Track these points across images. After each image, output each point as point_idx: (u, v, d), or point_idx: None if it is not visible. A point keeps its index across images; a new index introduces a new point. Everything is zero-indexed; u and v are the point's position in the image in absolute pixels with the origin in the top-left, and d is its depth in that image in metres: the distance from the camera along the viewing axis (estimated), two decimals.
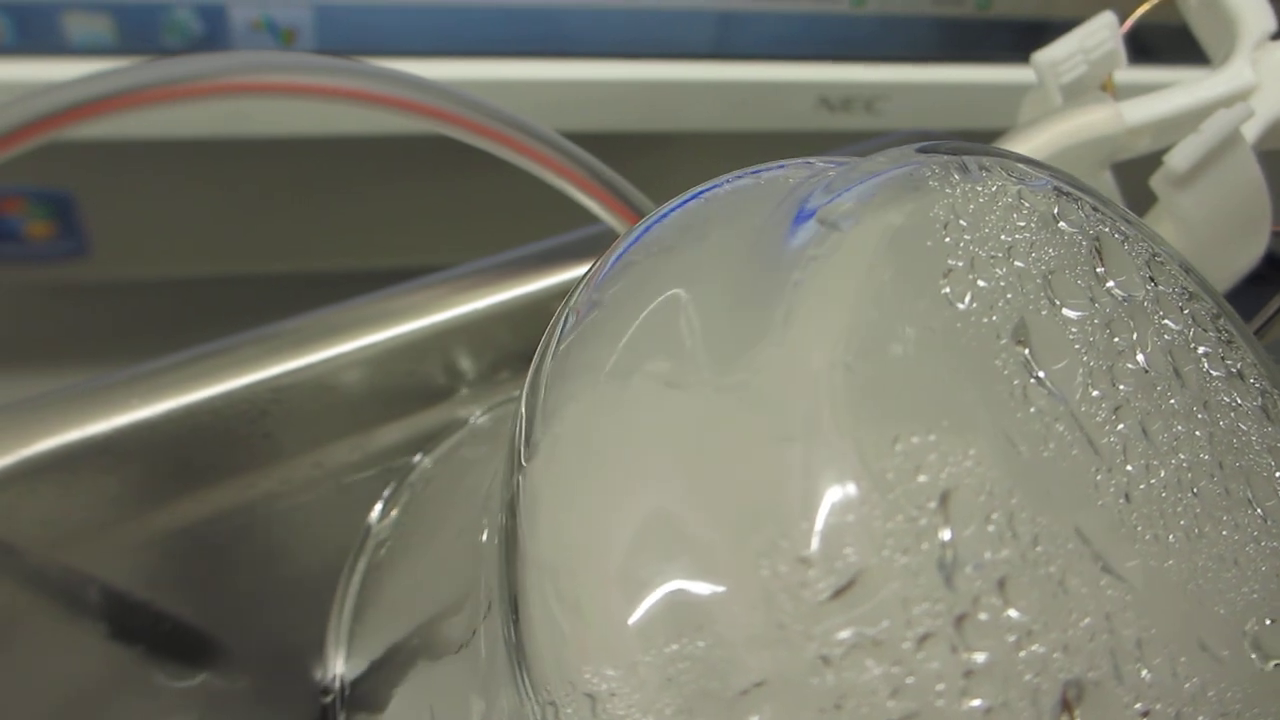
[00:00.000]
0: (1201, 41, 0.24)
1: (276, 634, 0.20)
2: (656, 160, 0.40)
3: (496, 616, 0.14)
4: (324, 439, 0.21)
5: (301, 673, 0.19)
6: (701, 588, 0.11)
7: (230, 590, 0.21)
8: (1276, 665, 0.12)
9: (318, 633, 0.20)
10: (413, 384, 0.22)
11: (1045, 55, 0.22)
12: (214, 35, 0.35)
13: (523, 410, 0.13)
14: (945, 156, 0.14)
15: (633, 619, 0.12)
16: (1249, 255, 0.22)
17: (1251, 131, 0.22)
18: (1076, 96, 0.22)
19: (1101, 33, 0.22)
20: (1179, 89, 0.22)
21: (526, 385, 0.14)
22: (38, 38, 0.35)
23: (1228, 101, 0.22)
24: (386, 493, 0.21)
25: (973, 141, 0.25)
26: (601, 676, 0.11)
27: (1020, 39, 0.41)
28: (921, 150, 0.13)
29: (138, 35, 0.35)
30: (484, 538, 0.17)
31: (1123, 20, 0.23)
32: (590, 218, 0.22)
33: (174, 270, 0.41)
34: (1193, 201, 0.20)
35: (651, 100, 0.38)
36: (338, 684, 0.19)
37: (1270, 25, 0.23)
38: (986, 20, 0.40)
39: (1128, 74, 0.26)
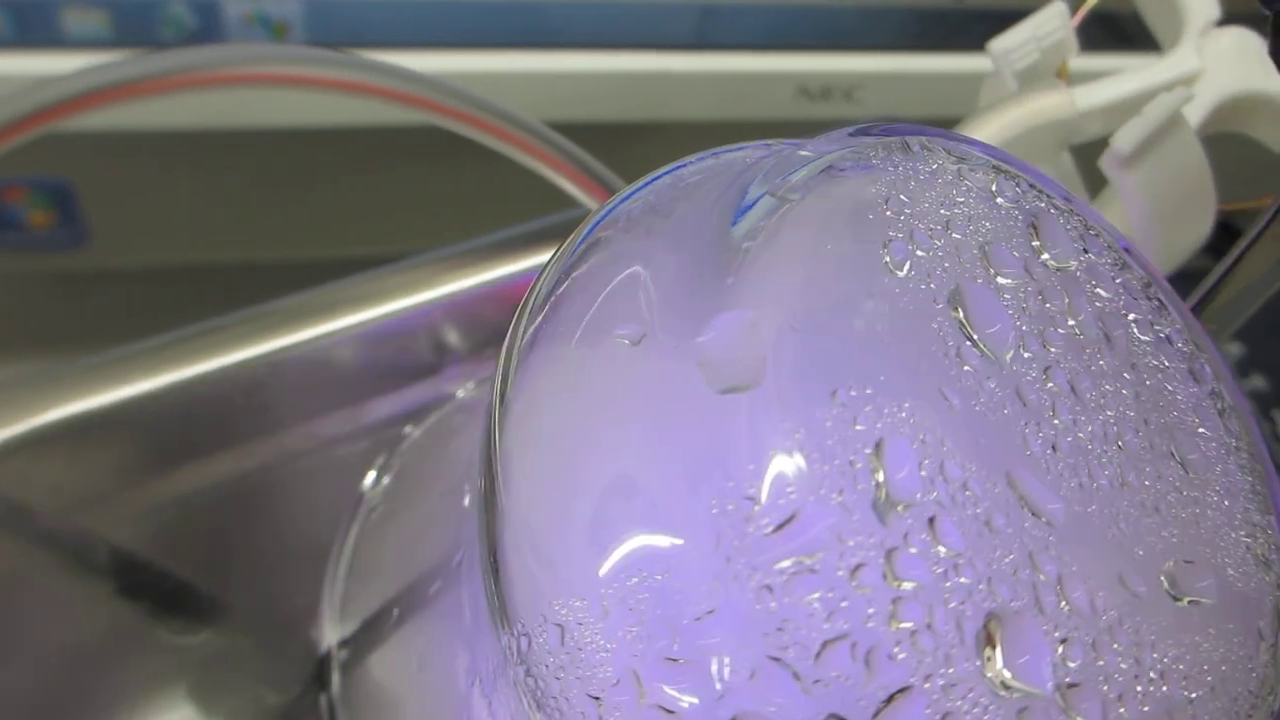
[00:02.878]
0: (1152, 28, 0.26)
1: (274, 594, 0.21)
2: (640, 149, 0.41)
3: (478, 571, 0.15)
4: (318, 411, 0.22)
5: (298, 630, 0.21)
6: (660, 530, 0.12)
7: (229, 553, 0.22)
8: (1190, 601, 0.14)
9: (313, 593, 0.21)
10: (403, 360, 0.23)
11: (999, 44, 0.23)
12: (208, 29, 0.36)
13: (498, 378, 0.15)
14: (888, 138, 0.15)
15: (599, 563, 0.13)
16: (1197, 232, 0.23)
17: (1195, 114, 0.23)
18: (1031, 83, 0.23)
19: (1053, 21, 0.23)
20: (1129, 74, 0.23)
21: (502, 354, 0.15)
22: (36, 31, 0.35)
23: (1173, 86, 0.23)
24: (378, 462, 0.22)
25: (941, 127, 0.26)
26: (570, 609, 0.12)
27: (997, 28, 0.42)
28: (857, 133, 0.15)
29: (133, 29, 0.35)
30: (466, 500, 0.18)
31: (1075, 10, 0.24)
32: (571, 202, 0.23)
33: (172, 257, 0.42)
34: (1139, 181, 0.21)
35: (635, 91, 0.39)
36: (332, 640, 0.20)
37: (1215, 13, 0.24)
38: (963, 10, 0.41)
39: (1085, 60, 0.27)
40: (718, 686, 0.11)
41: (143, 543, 0.20)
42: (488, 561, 0.14)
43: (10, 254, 0.40)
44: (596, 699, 0.12)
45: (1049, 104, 0.23)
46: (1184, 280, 0.24)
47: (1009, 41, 0.23)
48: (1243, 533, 0.15)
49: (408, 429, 0.23)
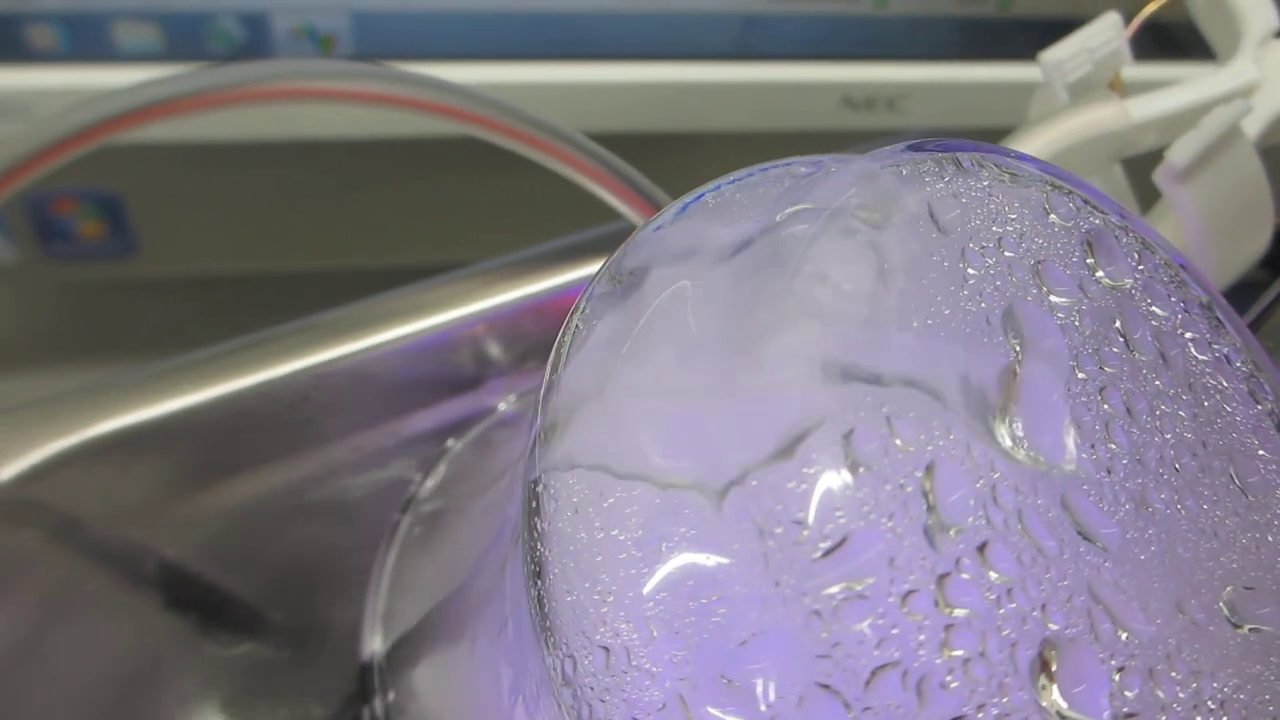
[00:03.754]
0: (1208, 38, 0.25)
1: (318, 607, 0.21)
2: (683, 160, 0.41)
3: (521, 589, 0.15)
4: (362, 424, 0.22)
5: (340, 643, 0.21)
6: (707, 553, 0.12)
7: (274, 565, 0.22)
8: (1251, 629, 0.13)
9: (356, 606, 0.21)
10: (445, 373, 0.23)
11: (1051, 55, 0.23)
12: (256, 42, 0.36)
13: (541, 396, 0.14)
14: (939, 153, 0.14)
15: (645, 586, 0.13)
16: (1253, 247, 0.22)
17: (1254, 127, 0.22)
18: (1083, 94, 0.23)
19: (1106, 33, 0.23)
20: (1184, 86, 0.23)
21: (546, 370, 0.15)
22: (88, 45, 0.36)
23: (1231, 98, 0.22)
24: (420, 476, 0.22)
25: (987, 140, 0.26)
26: (615, 631, 0.12)
27: (1042, 38, 0.41)
28: (910, 148, 0.14)
29: (184, 43, 0.36)
30: (509, 516, 0.18)
31: (1129, 20, 0.24)
32: (613, 215, 0.23)
33: (219, 267, 0.42)
34: (1194, 195, 0.21)
35: (677, 101, 0.39)
36: (375, 653, 0.20)
37: (1274, 23, 0.23)
38: (1008, 19, 0.41)
39: (1140, 70, 0.27)
40: (764, 710, 0.11)
41: (190, 555, 0.20)
42: (531, 582, 0.14)
43: (60, 264, 0.41)
44: None
45: (1102, 116, 0.22)
46: (1241, 293, 0.24)
47: (1061, 53, 0.23)
48: None
49: (450, 442, 0.23)
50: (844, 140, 0.43)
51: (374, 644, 0.20)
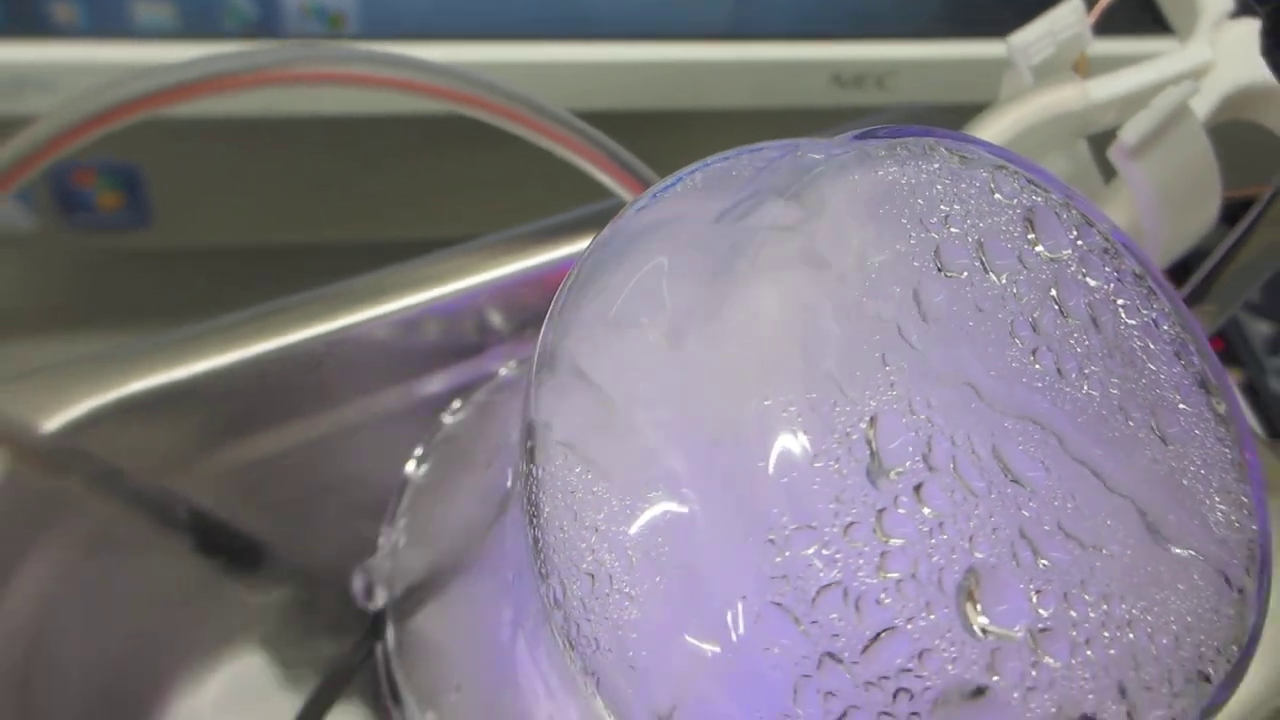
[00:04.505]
0: (1169, 19, 0.26)
1: (333, 553, 0.23)
2: (679, 136, 0.42)
3: (521, 532, 0.17)
4: (372, 387, 0.24)
5: (355, 585, 0.22)
6: (680, 493, 0.14)
7: (293, 515, 0.24)
8: (1162, 559, 0.15)
9: (369, 553, 0.23)
10: (450, 340, 0.24)
11: (1016, 39, 0.24)
12: (268, 20, 0.38)
13: (536, 355, 0.16)
14: (894, 139, 0.16)
15: (627, 524, 0.14)
16: (1203, 219, 0.24)
17: (1206, 105, 0.24)
18: (1048, 76, 0.25)
19: (1068, 17, 0.24)
20: (1142, 66, 0.24)
21: (541, 333, 0.16)
22: (107, 22, 0.37)
23: (1185, 78, 0.24)
24: (428, 434, 0.24)
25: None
26: (599, 561, 0.14)
27: (1026, 13, 0.43)
28: (863, 135, 0.16)
29: (199, 20, 0.37)
30: (509, 469, 0.20)
31: (1092, 4, 0.25)
32: (607, 193, 0.25)
33: (231, 238, 0.44)
34: (1145, 171, 0.22)
35: (672, 80, 0.40)
36: (386, 596, 0.22)
37: (1228, 4, 0.25)
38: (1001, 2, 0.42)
39: (1106, 46, 0.28)
40: (728, 625, 0.13)
41: (217, 504, 0.22)
42: (529, 522, 0.16)
43: (80, 233, 0.42)
44: (622, 638, 0.13)
45: (1064, 97, 0.24)
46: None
47: (1026, 37, 0.24)
48: (1218, 499, 0.16)
49: (455, 404, 0.25)
50: (835, 117, 0.44)
51: (385, 587, 0.22)
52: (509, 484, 0.20)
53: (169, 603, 0.22)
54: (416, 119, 0.37)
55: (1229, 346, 0.51)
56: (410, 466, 0.23)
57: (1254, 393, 0.50)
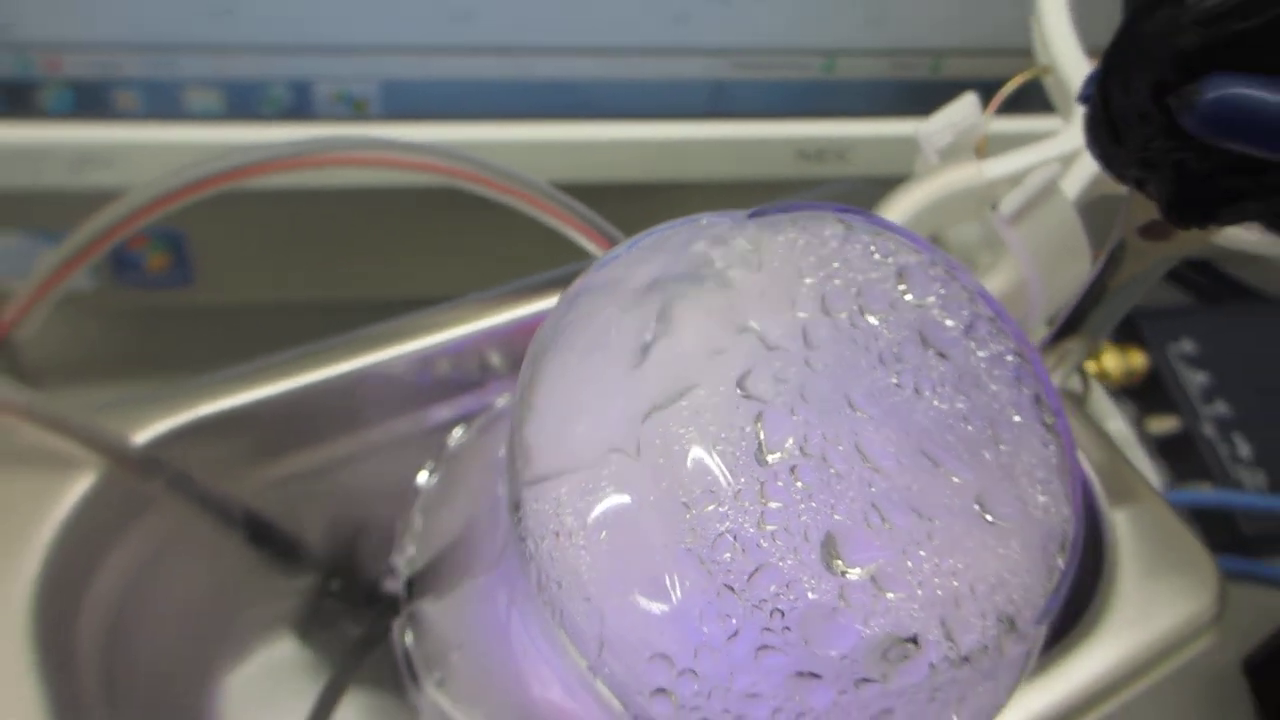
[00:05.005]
0: (1057, 108, 0.32)
1: (357, 549, 0.28)
2: (663, 204, 0.47)
3: (510, 523, 0.21)
4: (392, 414, 0.29)
5: (376, 576, 0.27)
6: (622, 482, 0.19)
7: (325, 517, 0.28)
8: (991, 524, 0.20)
9: (387, 548, 0.27)
10: (456, 375, 0.29)
11: (923, 129, 0.30)
12: (301, 105, 0.43)
13: (521, 382, 0.21)
14: (797, 212, 0.21)
15: (586, 501, 0.19)
16: (1078, 273, 0.29)
17: (1079, 184, 0.29)
18: (951, 157, 0.30)
19: (966, 110, 0.29)
20: (1028, 149, 0.30)
21: (525, 363, 0.21)
22: (162, 107, 0.42)
23: (1061, 159, 0.29)
24: (437, 452, 0.29)
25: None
26: (562, 523, 0.19)
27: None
28: (756, 214, 0.21)
29: (242, 105, 0.42)
30: (502, 478, 0.25)
31: (988, 100, 0.30)
32: (589, 255, 0.30)
33: (260, 296, 0.49)
34: (1021, 237, 0.27)
35: (657, 154, 0.45)
36: (402, 582, 0.27)
37: None
38: (940, 80, 0.47)
39: (1011, 124, 0.33)
40: (655, 569, 0.18)
41: (265, 506, 0.27)
42: (512, 509, 0.21)
43: (130, 290, 0.48)
44: (577, 579, 0.18)
45: (962, 176, 0.29)
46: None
47: (930, 127, 0.29)
48: (1039, 490, 0.21)
49: (459, 429, 0.30)
50: (801, 186, 0.49)
51: (400, 576, 0.27)
52: (503, 487, 0.25)
53: (224, 585, 0.27)
54: (428, 191, 0.42)
55: (1167, 395, 0.55)
56: (422, 477, 0.28)
57: (1188, 438, 0.54)
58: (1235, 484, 0.52)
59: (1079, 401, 0.36)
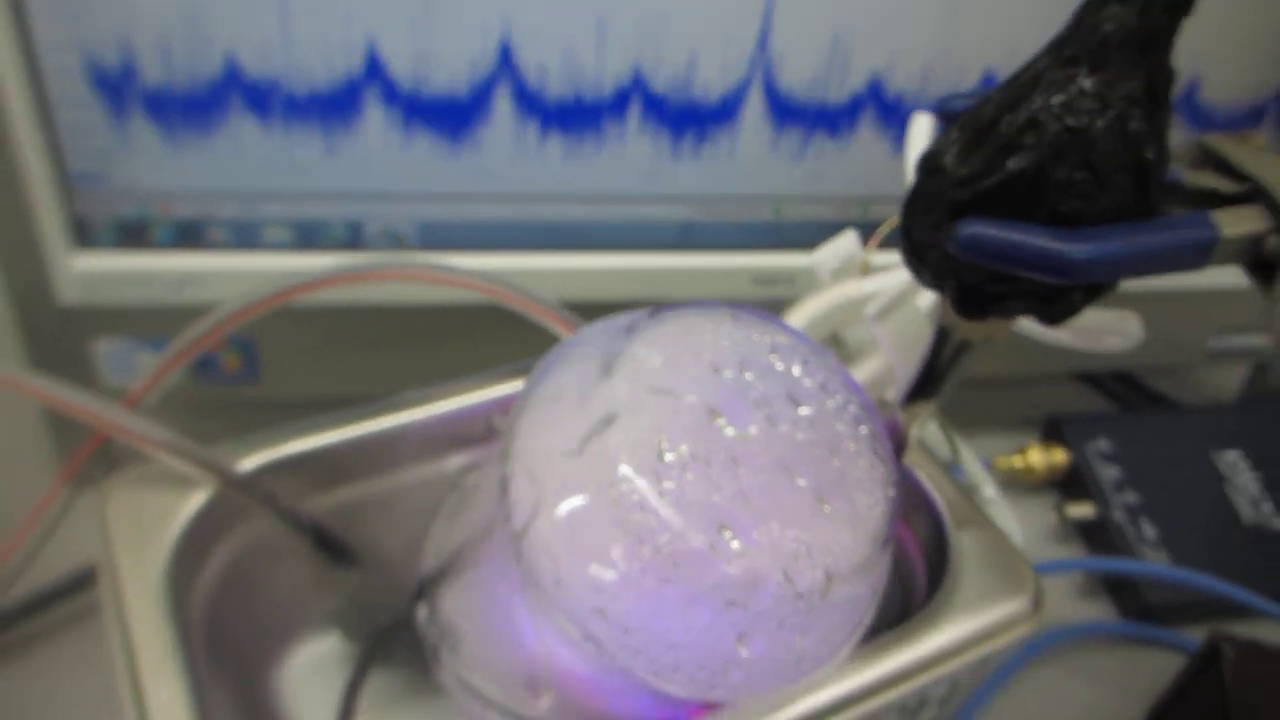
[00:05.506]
0: None
1: (394, 559, 0.37)
2: None
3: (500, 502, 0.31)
4: (423, 458, 0.39)
5: (404, 578, 0.37)
6: (573, 475, 0.28)
7: (371, 531, 0.38)
8: (828, 512, 0.29)
9: (414, 555, 0.37)
10: (469, 432, 0.39)
11: (814, 256, 0.40)
12: (354, 239, 0.53)
13: (508, 423, 0.31)
14: (700, 307, 0.31)
15: (555, 495, 0.29)
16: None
17: (928, 297, 0.39)
18: (839, 276, 0.40)
19: (847, 243, 0.40)
20: (897, 270, 0.40)
21: (511, 411, 0.31)
22: (245, 240, 0.52)
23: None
24: (454, 486, 0.39)
25: None
26: (538, 496, 0.28)
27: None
28: (654, 312, 0.31)
29: (307, 239, 0.52)
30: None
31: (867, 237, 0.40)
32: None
33: (316, 392, 0.57)
34: (886, 332, 0.37)
35: (637, 279, 0.53)
36: (424, 578, 0.36)
37: None
38: (867, 220, 0.55)
39: (889, 256, 0.43)
40: (589, 528, 0.27)
41: (328, 520, 0.36)
42: (501, 491, 0.30)
43: (208, 387, 0.57)
44: (548, 548, 0.28)
45: (846, 291, 0.39)
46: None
47: (820, 256, 0.40)
48: (863, 493, 0.30)
49: (471, 474, 0.39)
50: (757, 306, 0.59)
51: (424, 571, 0.36)
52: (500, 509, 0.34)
53: (297, 579, 0.36)
54: (449, 308, 0.50)
55: (1084, 486, 0.64)
56: (440, 505, 0.38)
57: (1103, 523, 0.62)
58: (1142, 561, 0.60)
59: (950, 460, 0.45)
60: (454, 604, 0.34)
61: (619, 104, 0.49)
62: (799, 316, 0.38)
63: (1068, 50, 0.28)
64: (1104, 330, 0.37)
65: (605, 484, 0.27)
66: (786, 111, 0.51)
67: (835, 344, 0.38)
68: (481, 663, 0.33)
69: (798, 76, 0.50)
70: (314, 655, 0.38)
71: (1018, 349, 0.67)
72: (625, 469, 0.27)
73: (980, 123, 0.29)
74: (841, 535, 0.29)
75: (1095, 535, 0.62)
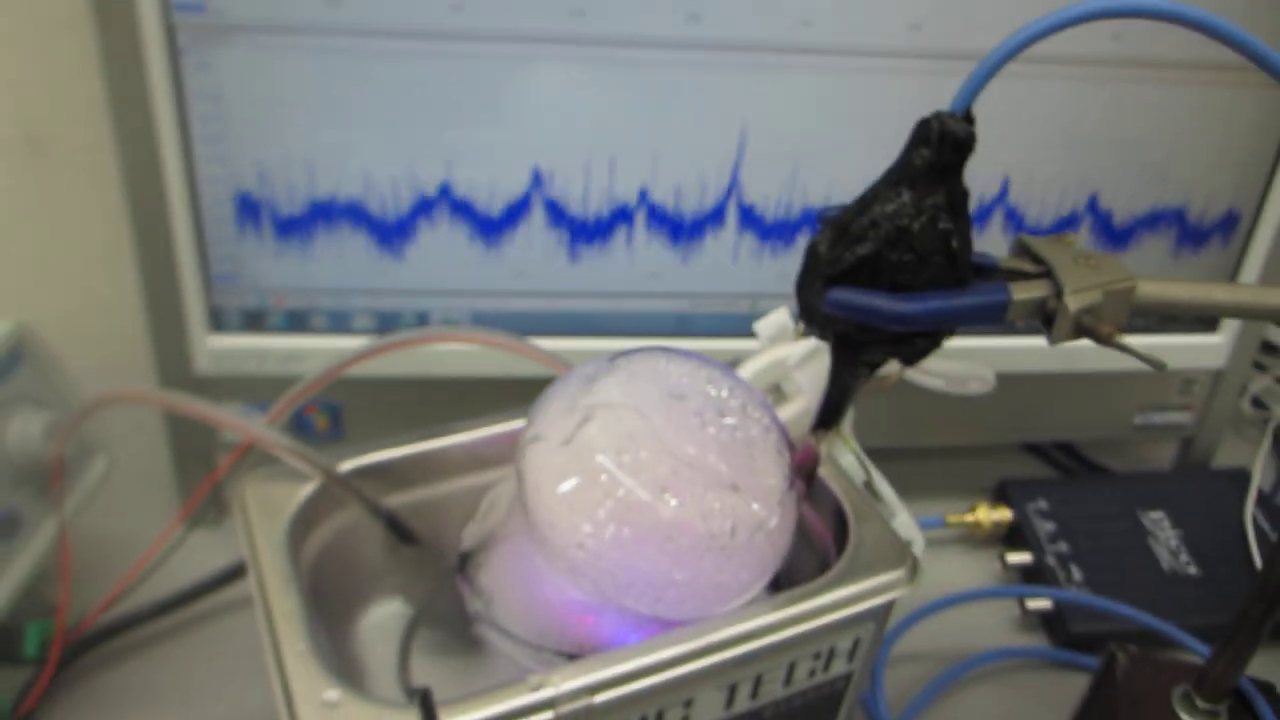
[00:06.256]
0: None
1: (446, 540, 0.51)
2: None
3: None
4: (465, 471, 0.52)
5: (453, 551, 0.50)
6: (565, 452, 0.42)
7: (429, 522, 0.51)
8: (740, 492, 0.42)
9: (456, 536, 0.50)
10: (497, 453, 0.53)
11: (758, 326, 0.54)
12: (421, 325, 0.68)
13: (521, 433, 0.45)
14: (647, 352, 0.45)
15: (546, 464, 0.42)
16: None
17: None
18: (776, 340, 0.54)
19: (780, 316, 0.53)
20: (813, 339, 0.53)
21: (524, 426, 0.45)
22: (339, 325, 0.68)
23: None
24: (488, 490, 0.52)
25: None
26: (544, 513, 0.42)
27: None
28: (618, 356, 0.45)
29: (385, 325, 0.68)
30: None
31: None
32: None
33: None
34: (803, 377, 0.50)
35: None
36: (465, 554, 0.49)
37: None
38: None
39: None
40: (575, 486, 0.41)
41: (397, 509, 0.50)
42: (517, 479, 0.44)
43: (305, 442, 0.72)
44: (548, 516, 0.41)
45: (780, 351, 0.53)
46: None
47: (761, 325, 0.53)
48: (770, 475, 0.43)
49: (497, 484, 0.53)
50: None
51: (463, 549, 0.50)
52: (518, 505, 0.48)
53: (374, 556, 0.50)
54: (505, 380, 0.66)
55: (1024, 537, 0.75)
56: (480, 501, 0.51)
57: (1038, 567, 0.73)
58: None
59: (865, 483, 0.57)
60: (487, 574, 0.48)
61: (625, 217, 0.64)
62: (746, 370, 0.52)
63: (894, 177, 0.42)
64: (967, 377, 0.50)
65: (585, 461, 0.41)
66: (757, 225, 0.65)
67: (775, 392, 0.52)
68: (510, 614, 0.46)
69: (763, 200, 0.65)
70: (382, 615, 0.52)
71: (974, 422, 0.80)
72: (599, 454, 0.41)
73: (842, 224, 0.43)
74: (748, 501, 0.42)
75: (1031, 577, 0.73)
